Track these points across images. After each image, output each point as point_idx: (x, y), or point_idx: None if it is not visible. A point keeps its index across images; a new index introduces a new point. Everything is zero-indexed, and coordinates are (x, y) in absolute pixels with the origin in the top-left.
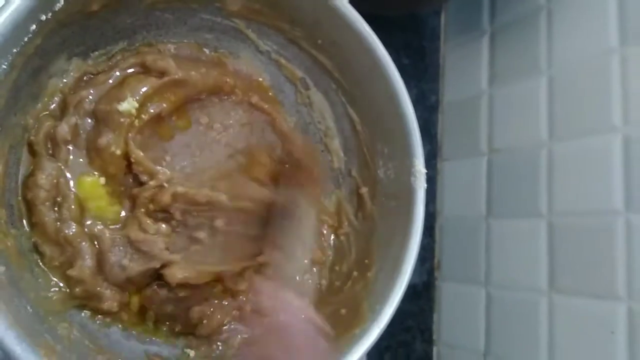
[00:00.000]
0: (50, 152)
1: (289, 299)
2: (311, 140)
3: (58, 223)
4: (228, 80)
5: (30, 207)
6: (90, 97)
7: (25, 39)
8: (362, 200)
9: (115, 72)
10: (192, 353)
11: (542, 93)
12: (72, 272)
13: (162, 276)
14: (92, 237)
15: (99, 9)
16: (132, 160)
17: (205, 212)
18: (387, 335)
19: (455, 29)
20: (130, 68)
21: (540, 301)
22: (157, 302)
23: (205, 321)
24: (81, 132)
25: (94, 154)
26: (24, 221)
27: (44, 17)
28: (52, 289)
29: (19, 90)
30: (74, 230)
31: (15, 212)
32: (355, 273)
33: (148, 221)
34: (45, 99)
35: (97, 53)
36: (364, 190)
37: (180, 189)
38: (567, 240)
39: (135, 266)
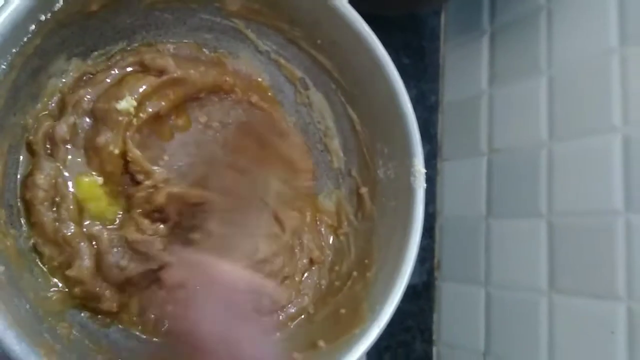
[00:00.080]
0: (49, 151)
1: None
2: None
3: (56, 223)
4: (227, 79)
5: (28, 207)
6: (89, 96)
7: (25, 39)
8: (361, 200)
9: (113, 71)
10: None
11: (542, 93)
12: (70, 273)
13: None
14: (91, 237)
15: (98, 9)
16: (129, 159)
17: (199, 212)
18: (386, 335)
19: (455, 29)
20: (129, 67)
21: (540, 301)
22: (157, 303)
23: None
24: (79, 131)
25: (92, 153)
26: (23, 221)
27: (43, 18)
28: (52, 289)
29: (18, 90)
30: (72, 230)
31: (15, 212)
32: (354, 273)
33: (145, 222)
34: (45, 99)
35: (96, 53)
36: (364, 190)
37: (175, 189)
38: (567, 240)
39: (133, 267)
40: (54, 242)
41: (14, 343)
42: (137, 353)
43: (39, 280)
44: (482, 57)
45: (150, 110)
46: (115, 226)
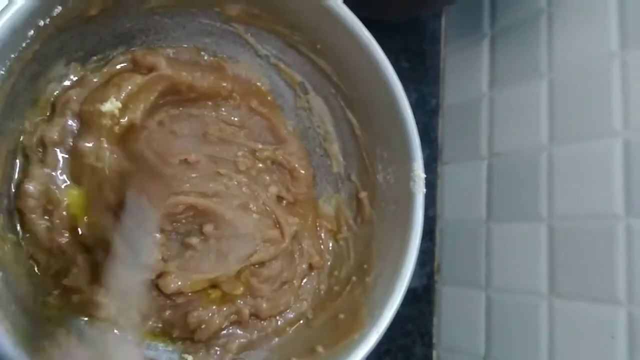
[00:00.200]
0: (41, 156)
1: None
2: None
3: (50, 232)
4: (225, 84)
5: (21, 216)
6: (76, 97)
7: (23, 45)
8: (361, 204)
9: (104, 70)
10: (190, 358)
11: (543, 96)
12: (67, 282)
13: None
14: (86, 246)
15: (98, 14)
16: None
17: (192, 217)
18: (386, 339)
19: (456, 32)
20: (120, 64)
21: (541, 305)
22: (155, 309)
23: (203, 326)
24: (69, 135)
25: (74, 160)
26: (18, 229)
27: (42, 23)
28: (50, 295)
29: (17, 96)
30: (66, 238)
31: (13, 218)
32: (354, 278)
33: None
34: (43, 104)
35: (95, 58)
36: (363, 194)
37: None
38: (567, 244)
39: None
40: (48, 250)
41: (12, 349)
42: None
43: (37, 286)
44: (483, 61)
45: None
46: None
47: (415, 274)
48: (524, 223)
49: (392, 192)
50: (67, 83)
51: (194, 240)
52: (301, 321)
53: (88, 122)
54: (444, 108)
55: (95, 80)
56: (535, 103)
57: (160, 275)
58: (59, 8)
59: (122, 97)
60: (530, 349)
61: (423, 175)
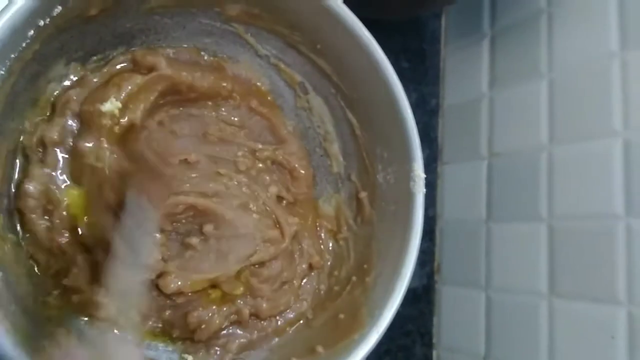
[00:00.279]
0: (41, 156)
1: None
2: None
3: (50, 232)
4: (225, 84)
5: (21, 216)
6: (76, 97)
7: (23, 45)
8: (361, 204)
9: (104, 70)
10: (190, 358)
11: (543, 96)
12: (67, 282)
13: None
14: (86, 246)
15: (98, 14)
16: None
17: (192, 217)
18: (386, 339)
19: (456, 32)
20: (121, 64)
21: (541, 305)
22: (155, 309)
23: (203, 326)
24: (69, 135)
25: (74, 160)
26: (18, 229)
27: (42, 23)
28: (50, 295)
29: (17, 96)
30: (67, 238)
31: (13, 218)
32: (354, 278)
33: None
34: (43, 104)
35: (95, 58)
36: (363, 194)
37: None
38: (567, 244)
39: None
40: (48, 250)
41: (12, 349)
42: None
43: (37, 286)
44: (483, 61)
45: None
46: None
47: (415, 274)
48: (524, 223)
49: (392, 192)
50: (67, 83)
51: (194, 240)
52: (301, 321)
53: (88, 122)
54: (444, 108)
55: (95, 80)
56: (535, 103)
57: (160, 275)
58: (59, 8)
59: (122, 97)
60: (530, 349)
61: (423, 175)
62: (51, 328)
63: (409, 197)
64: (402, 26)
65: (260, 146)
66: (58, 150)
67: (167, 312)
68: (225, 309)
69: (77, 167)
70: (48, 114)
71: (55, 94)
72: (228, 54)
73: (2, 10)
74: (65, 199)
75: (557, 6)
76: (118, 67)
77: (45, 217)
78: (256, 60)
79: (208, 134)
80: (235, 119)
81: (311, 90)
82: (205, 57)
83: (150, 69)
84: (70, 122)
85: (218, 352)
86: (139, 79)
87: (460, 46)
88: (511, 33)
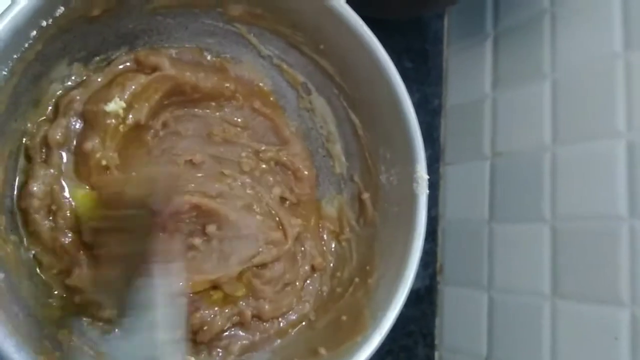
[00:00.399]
0: (44, 157)
1: None
2: None
3: (54, 232)
4: (228, 85)
5: (25, 216)
6: (79, 97)
7: (26, 45)
8: (364, 205)
9: (107, 69)
10: (192, 359)
11: (546, 97)
12: (70, 282)
13: None
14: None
15: (100, 14)
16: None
17: (195, 218)
18: (388, 340)
19: (459, 33)
20: (124, 64)
21: (543, 306)
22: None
23: (205, 327)
24: (72, 135)
25: (80, 160)
26: (22, 229)
27: (44, 23)
28: (52, 296)
29: (20, 96)
30: (70, 238)
31: (16, 219)
32: (356, 279)
33: None
34: (46, 105)
35: (98, 58)
36: (366, 195)
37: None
38: (570, 245)
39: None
40: (52, 250)
41: (14, 351)
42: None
43: (39, 287)
44: (486, 61)
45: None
46: None
47: (418, 275)
48: (527, 224)
49: (394, 193)
50: (69, 83)
51: (197, 241)
52: (303, 323)
53: (92, 122)
54: (446, 108)
55: (98, 80)
56: (539, 103)
57: None
58: (62, 8)
59: (126, 96)
60: (533, 350)
61: (426, 177)
62: (53, 329)
63: (412, 198)
64: (404, 26)
65: (263, 147)
66: (62, 151)
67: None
68: (227, 310)
69: (83, 168)
70: (51, 114)
71: (57, 94)
72: (231, 54)
73: (4, 11)
74: (69, 199)
75: (560, 6)
76: (121, 67)
77: (49, 217)
78: (259, 60)
79: (212, 134)
80: (239, 119)
81: (314, 91)
82: (208, 58)
83: (154, 69)
84: (73, 122)
85: (220, 354)
86: (142, 79)
87: (463, 46)
88: (514, 33)
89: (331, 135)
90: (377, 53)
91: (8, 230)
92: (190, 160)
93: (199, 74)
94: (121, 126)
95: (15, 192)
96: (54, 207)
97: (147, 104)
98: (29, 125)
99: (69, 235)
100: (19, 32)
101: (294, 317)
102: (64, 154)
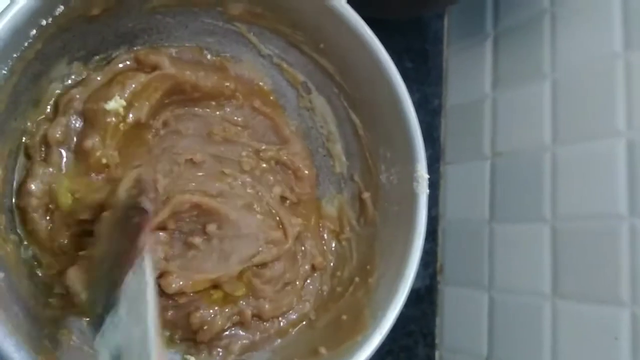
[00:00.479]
0: (43, 156)
1: None
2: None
3: (51, 231)
4: (228, 84)
5: (23, 215)
6: (79, 95)
7: (26, 44)
8: (364, 205)
9: (106, 69)
10: (192, 359)
11: (546, 97)
12: (65, 282)
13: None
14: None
15: (100, 13)
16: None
17: (195, 217)
18: (389, 339)
19: (459, 33)
20: (124, 62)
21: (544, 306)
22: (157, 309)
23: (205, 327)
24: (72, 134)
25: (81, 158)
26: (20, 229)
27: (44, 22)
28: (52, 296)
29: (19, 95)
30: (68, 238)
31: (15, 218)
32: (356, 279)
33: None
34: (45, 104)
35: (98, 57)
36: (366, 195)
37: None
38: (570, 245)
39: None
40: (50, 250)
41: (14, 350)
42: None
43: (39, 287)
44: (486, 61)
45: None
46: None
47: (418, 275)
48: (527, 223)
49: (395, 193)
50: (69, 82)
51: (197, 240)
52: (304, 322)
53: (92, 120)
54: (446, 108)
55: (98, 78)
56: (539, 103)
57: (162, 274)
58: (61, 7)
59: (126, 95)
60: (533, 350)
61: (426, 176)
62: (53, 329)
63: (412, 197)
64: (404, 26)
65: (264, 146)
66: (62, 150)
67: (169, 313)
68: (227, 310)
69: (84, 166)
70: (51, 113)
71: (57, 93)
72: (230, 53)
73: (4, 10)
74: (67, 197)
75: (560, 6)
76: (121, 66)
77: (47, 216)
78: (259, 59)
79: (212, 133)
80: (239, 118)
81: (314, 90)
82: (208, 57)
83: (154, 67)
84: (73, 121)
85: (220, 353)
86: (142, 78)
87: (463, 46)
88: (514, 33)
89: (331, 134)
90: (378, 53)
91: (8, 230)
92: (191, 160)
93: (199, 72)
94: (121, 125)
95: (15, 192)
96: (52, 206)
97: (147, 103)
98: (28, 124)
99: (67, 234)
100: (18, 31)
101: (294, 317)
102: (63, 153)
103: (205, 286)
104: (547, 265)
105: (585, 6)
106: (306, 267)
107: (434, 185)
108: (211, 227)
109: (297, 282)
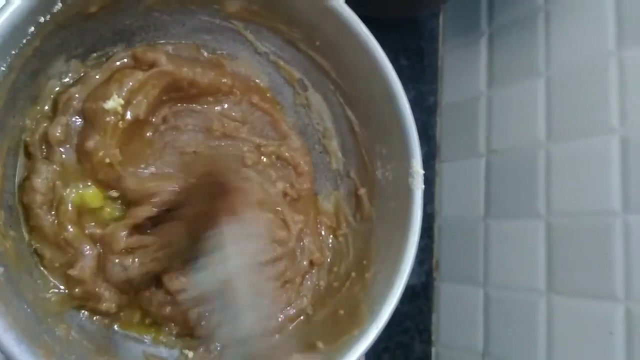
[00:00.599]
0: (45, 154)
1: None
2: None
3: (56, 226)
4: (225, 80)
5: (27, 211)
6: (78, 94)
7: (24, 41)
8: (360, 201)
9: (103, 66)
10: (190, 354)
11: (540, 94)
12: (72, 272)
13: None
14: (93, 238)
15: (98, 11)
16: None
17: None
18: (385, 336)
19: (454, 31)
20: (122, 60)
21: (539, 302)
22: (155, 304)
23: (203, 322)
24: (73, 133)
25: (83, 158)
26: (22, 224)
27: (42, 19)
28: (51, 290)
29: (18, 92)
30: (72, 232)
31: (14, 213)
32: (353, 274)
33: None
34: (43, 102)
35: (95, 55)
36: (363, 191)
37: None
38: (565, 241)
39: (137, 267)
40: (55, 244)
41: (14, 344)
42: (136, 354)
43: (38, 281)
44: (481, 59)
45: (137, 112)
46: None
47: (414, 272)
48: (522, 220)
49: (391, 189)
50: (67, 80)
51: None
52: (301, 317)
53: (92, 120)
54: (442, 106)
55: (96, 77)
56: (533, 101)
57: (166, 270)
58: (59, 5)
59: (124, 93)
60: (529, 345)
61: (422, 172)
62: (53, 323)
63: (408, 193)
64: (400, 25)
65: (264, 142)
66: (63, 148)
67: (167, 308)
68: None
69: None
70: (50, 112)
71: (55, 90)
72: (227, 51)
73: (2, 7)
74: (72, 193)
75: (554, 4)
76: (118, 63)
77: (52, 212)
78: (255, 57)
79: (212, 129)
80: (238, 114)
81: (310, 87)
82: (205, 54)
83: (151, 65)
84: (73, 120)
85: (218, 348)
86: (140, 75)
87: (458, 44)
88: (509, 31)
89: (327, 131)
90: (374, 51)
91: (7, 226)
92: (195, 152)
93: (196, 69)
94: (120, 123)
95: (15, 188)
96: (56, 202)
97: (145, 100)
98: (27, 121)
99: (71, 229)
100: (17, 28)
101: (292, 312)
102: (65, 151)
103: None
104: (542, 261)
105: (579, 4)
106: (304, 263)
107: (430, 182)
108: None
109: (296, 279)
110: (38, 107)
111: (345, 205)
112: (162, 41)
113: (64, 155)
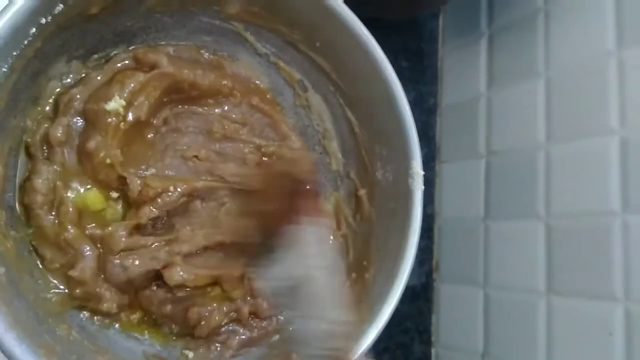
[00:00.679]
0: (46, 154)
1: None
2: None
3: (57, 226)
4: (225, 82)
5: (27, 211)
6: (79, 95)
7: (25, 42)
8: (360, 202)
9: (104, 68)
10: (190, 354)
11: (540, 95)
12: (73, 273)
13: (162, 277)
14: (94, 239)
15: (99, 12)
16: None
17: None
18: (385, 337)
19: (453, 32)
20: (123, 61)
21: (538, 302)
22: (156, 303)
23: (203, 322)
24: (74, 134)
25: (84, 159)
26: (23, 224)
27: (43, 21)
28: (52, 291)
29: (19, 93)
30: (73, 232)
31: (15, 214)
32: (353, 274)
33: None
34: (45, 102)
35: (96, 56)
36: (362, 192)
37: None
38: (564, 242)
39: (137, 266)
40: (55, 245)
41: (15, 344)
42: (136, 354)
43: (39, 282)
44: (480, 60)
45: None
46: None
47: (414, 272)
48: (522, 221)
49: (391, 190)
50: (67, 81)
51: None
52: None
53: (93, 121)
54: (441, 107)
55: (98, 78)
56: (533, 102)
57: (166, 266)
58: (61, 6)
59: (125, 94)
60: (529, 346)
61: (421, 172)
62: (53, 323)
63: (408, 194)
64: (400, 26)
65: (264, 143)
66: (64, 149)
67: (168, 307)
68: (225, 307)
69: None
70: (51, 113)
71: (56, 91)
72: (227, 52)
73: (4, 8)
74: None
75: (554, 5)
76: (119, 64)
77: (52, 212)
78: (255, 58)
79: (212, 131)
80: (237, 116)
81: (310, 88)
82: (205, 55)
83: (152, 66)
84: (74, 121)
85: (218, 349)
86: (141, 77)
87: (458, 45)
88: (508, 32)
89: (327, 132)
90: (374, 52)
91: (8, 226)
92: (196, 157)
93: (196, 71)
94: (122, 124)
95: (15, 189)
96: (56, 203)
97: (146, 102)
98: (28, 122)
99: (72, 230)
100: (18, 29)
101: None
102: (66, 152)
103: (206, 282)
104: (541, 262)
105: (579, 5)
106: None
107: (430, 183)
108: None
109: None
110: (39, 108)
111: (345, 206)
112: (162, 42)
113: (65, 156)
